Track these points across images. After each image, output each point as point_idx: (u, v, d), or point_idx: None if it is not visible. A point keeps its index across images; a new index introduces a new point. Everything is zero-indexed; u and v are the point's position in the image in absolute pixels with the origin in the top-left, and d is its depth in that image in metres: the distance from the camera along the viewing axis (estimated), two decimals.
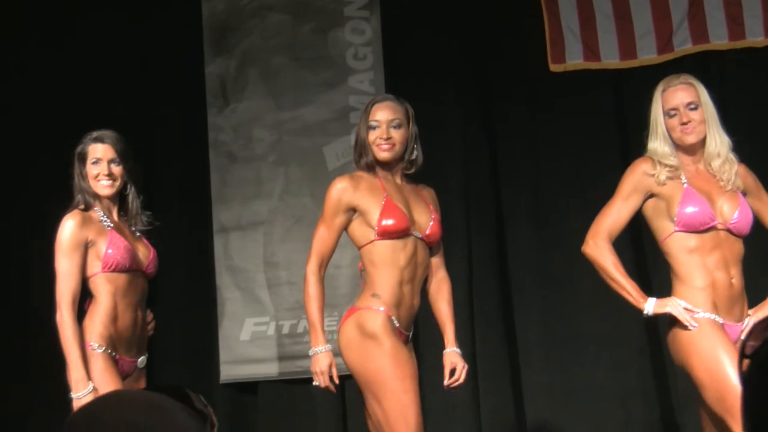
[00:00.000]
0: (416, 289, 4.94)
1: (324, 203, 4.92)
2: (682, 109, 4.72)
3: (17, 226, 6.45)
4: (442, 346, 5.37)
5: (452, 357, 5.06)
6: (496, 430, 6.57)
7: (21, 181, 6.78)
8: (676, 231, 4.70)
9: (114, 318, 4.92)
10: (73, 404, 4.77)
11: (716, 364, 4.54)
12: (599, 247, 4.78)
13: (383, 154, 4.87)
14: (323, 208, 4.92)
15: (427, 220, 4.95)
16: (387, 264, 4.84)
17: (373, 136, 4.88)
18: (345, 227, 4.91)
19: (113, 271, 4.93)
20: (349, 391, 6.38)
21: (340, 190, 4.86)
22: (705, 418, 4.79)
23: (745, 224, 4.78)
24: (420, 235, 4.90)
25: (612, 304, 5.91)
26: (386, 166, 4.91)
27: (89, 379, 4.79)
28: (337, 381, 4.90)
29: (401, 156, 4.92)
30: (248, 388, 6.82)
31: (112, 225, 5.01)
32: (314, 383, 4.90)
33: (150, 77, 7.03)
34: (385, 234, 4.80)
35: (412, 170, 4.98)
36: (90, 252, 4.93)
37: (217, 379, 6.75)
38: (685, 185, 4.72)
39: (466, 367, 5.05)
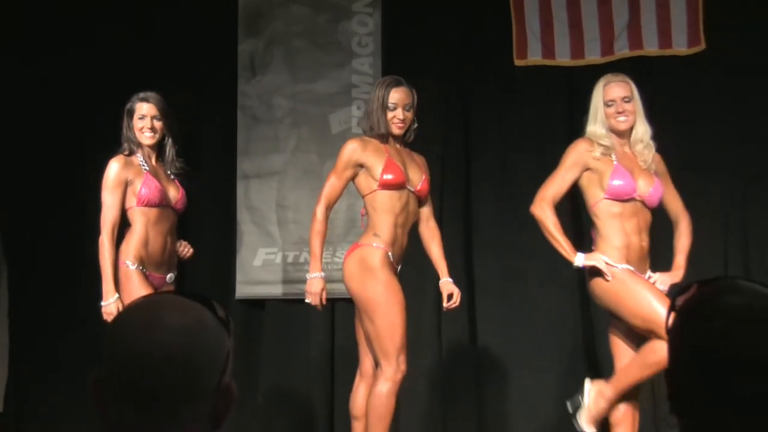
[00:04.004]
0: (406, 232, 5.27)
1: (337, 158, 5.23)
2: (619, 101, 5.02)
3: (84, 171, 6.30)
4: (420, 282, 6.11)
5: (448, 285, 5.40)
6: (455, 351, 6.82)
7: (82, 136, 7.03)
8: (604, 198, 5.00)
9: (146, 243, 5.31)
10: (102, 309, 5.21)
11: (641, 295, 4.84)
12: (544, 209, 5.05)
13: (398, 131, 5.23)
14: (336, 162, 5.24)
15: (419, 178, 5.31)
16: (386, 210, 5.17)
17: (391, 115, 5.17)
18: (351, 179, 5.24)
19: (146, 205, 5.32)
20: (338, 312, 6.83)
21: (352, 149, 5.21)
22: (617, 345, 5.12)
23: (657, 198, 5.09)
24: (413, 189, 5.28)
25: (552, 252, 5.65)
26: (393, 135, 5.26)
27: (116, 291, 5.19)
28: (325, 302, 5.23)
29: None
30: (257, 304, 7.15)
31: (148, 168, 5.38)
32: (306, 300, 5.25)
33: (194, 52, 7.23)
34: (386, 185, 5.16)
35: (411, 138, 5.36)
36: (129, 189, 5.33)
37: (233, 295, 7.06)
38: (615, 162, 4.97)
39: (459, 293, 5.39)
